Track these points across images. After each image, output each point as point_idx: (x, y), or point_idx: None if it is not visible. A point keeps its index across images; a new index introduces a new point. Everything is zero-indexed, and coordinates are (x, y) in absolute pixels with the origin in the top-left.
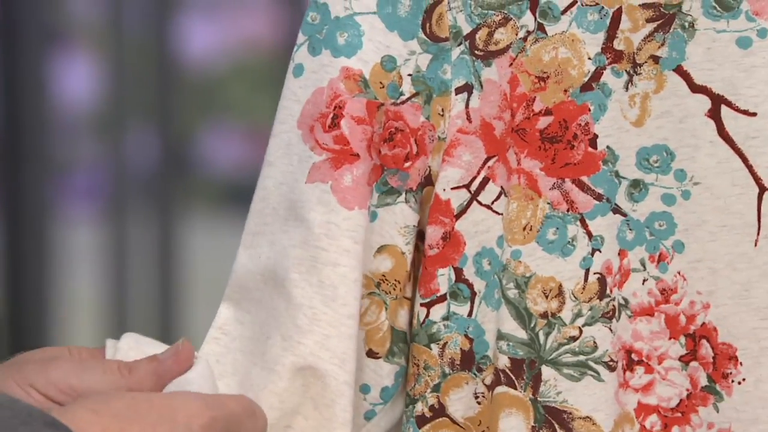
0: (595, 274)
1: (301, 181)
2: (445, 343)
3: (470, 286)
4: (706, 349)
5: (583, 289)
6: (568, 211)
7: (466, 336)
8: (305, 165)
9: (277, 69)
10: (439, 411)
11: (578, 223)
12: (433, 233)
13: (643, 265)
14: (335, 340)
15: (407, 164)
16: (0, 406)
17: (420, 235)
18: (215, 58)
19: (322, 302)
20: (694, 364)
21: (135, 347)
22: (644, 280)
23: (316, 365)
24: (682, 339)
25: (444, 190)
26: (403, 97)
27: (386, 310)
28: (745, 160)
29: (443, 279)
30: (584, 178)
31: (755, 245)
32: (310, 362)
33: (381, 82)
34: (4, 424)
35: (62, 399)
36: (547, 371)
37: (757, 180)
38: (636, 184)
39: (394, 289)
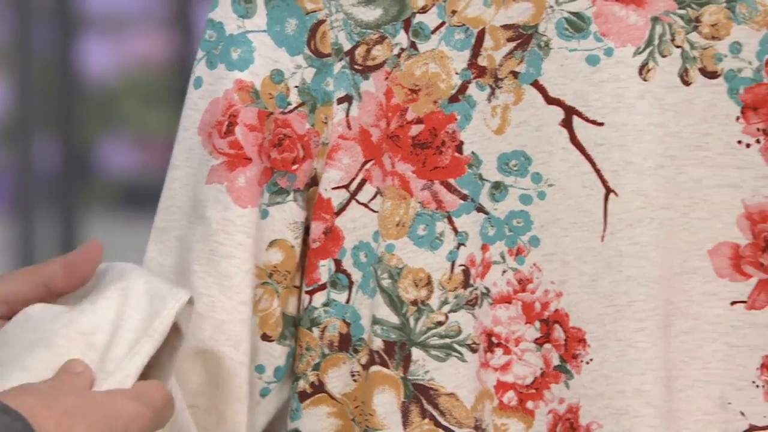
0: (460, 266)
1: (201, 182)
2: (325, 327)
3: (348, 276)
4: (558, 333)
5: (450, 279)
6: (436, 209)
7: (344, 320)
8: (205, 168)
9: (167, 85)
10: (319, 387)
11: (446, 220)
12: (316, 228)
13: (503, 257)
14: (230, 324)
15: (295, 167)
16: None
17: (307, 230)
18: (112, 75)
19: (219, 291)
20: (547, 346)
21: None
22: (503, 271)
23: (212, 348)
24: (537, 323)
25: (326, 189)
26: (291, 107)
27: (278, 297)
28: (593, 164)
29: (324, 269)
30: (451, 180)
31: (602, 240)
32: (208, 345)
33: (270, 93)
34: None
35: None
36: (416, 352)
37: (604, 182)
38: (497, 185)
39: (285, 279)
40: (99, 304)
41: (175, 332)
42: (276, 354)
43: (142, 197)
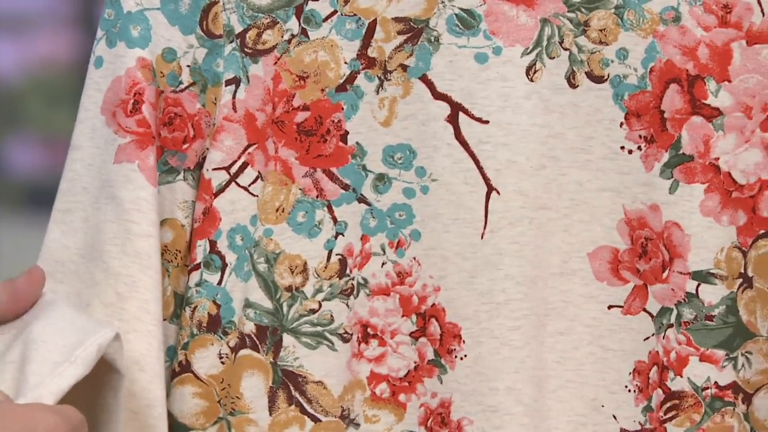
0: (337, 255)
1: (108, 162)
2: (195, 307)
3: (222, 257)
4: (434, 327)
5: (325, 267)
6: (317, 197)
7: (214, 302)
8: (111, 147)
9: (73, 84)
10: (186, 367)
11: (325, 208)
12: (198, 208)
13: (383, 249)
14: (153, 303)
15: (185, 146)
16: None
17: None
18: (16, 75)
19: (140, 270)
20: (422, 339)
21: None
22: (383, 263)
23: (138, 328)
24: (414, 317)
25: (207, 170)
26: (182, 86)
27: (169, 276)
28: (476, 162)
29: (200, 250)
30: (334, 169)
31: (482, 238)
32: (133, 326)
33: (162, 72)
34: None
35: None
36: (287, 338)
37: (486, 180)
38: (381, 177)
39: (176, 258)
40: (17, 325)
41: (114, 374)
42: (168, 333)
43: (47, 197)
